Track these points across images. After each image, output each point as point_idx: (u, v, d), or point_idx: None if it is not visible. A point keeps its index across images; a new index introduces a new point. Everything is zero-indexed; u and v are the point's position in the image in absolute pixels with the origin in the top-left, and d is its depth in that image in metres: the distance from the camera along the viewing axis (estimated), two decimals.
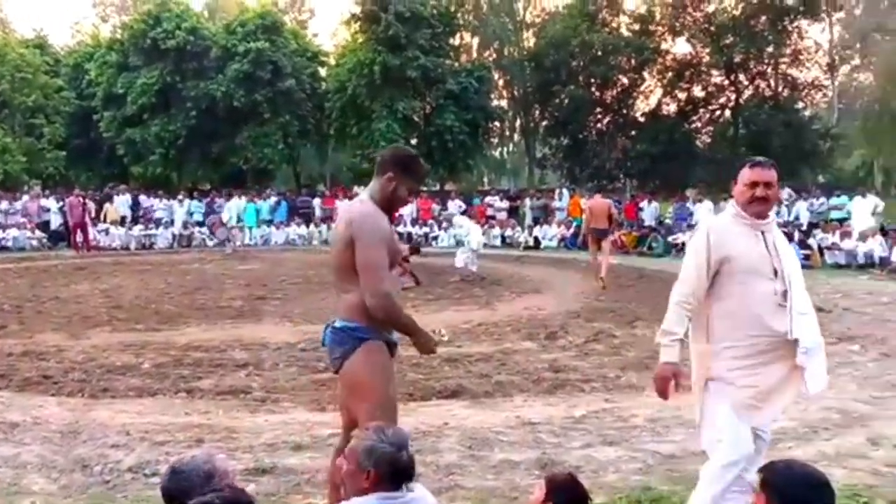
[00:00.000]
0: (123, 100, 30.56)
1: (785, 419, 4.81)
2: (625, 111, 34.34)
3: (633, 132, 33.53)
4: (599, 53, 31.79)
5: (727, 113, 33.48)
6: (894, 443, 5.31)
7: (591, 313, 11.12)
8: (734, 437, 3.49)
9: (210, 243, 24.36)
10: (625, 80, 33.52)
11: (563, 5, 35.85)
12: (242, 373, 7.56)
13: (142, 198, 27.45)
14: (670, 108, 34.07)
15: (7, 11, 51.82)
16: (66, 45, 41.79)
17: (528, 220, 25.76)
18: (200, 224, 25.93)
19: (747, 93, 32.50)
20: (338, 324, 3.61)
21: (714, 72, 32.65)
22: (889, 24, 31.41)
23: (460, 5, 32.79)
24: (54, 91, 31.48)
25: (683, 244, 21.00)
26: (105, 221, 25.18)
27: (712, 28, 31.05)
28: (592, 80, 33.00)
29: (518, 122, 41.54)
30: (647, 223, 23.23)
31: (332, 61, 34.80)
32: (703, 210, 22.51)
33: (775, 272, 3.51)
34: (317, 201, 28.65)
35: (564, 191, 27.65)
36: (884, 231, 18.55)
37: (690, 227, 21.93)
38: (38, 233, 24.06)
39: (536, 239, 23.84)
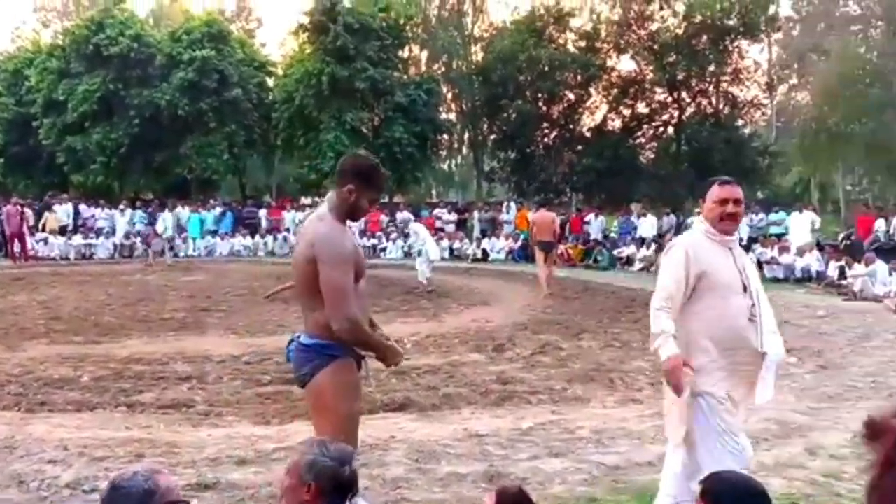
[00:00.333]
0: (64, 107, 29.84)
1: None
2: (571, 126, 34.72)
3: (580, 147, 33.94)
4: (546, 69, 32.11)
5: (670, 129, 34.08)
6: (831, 453, 5.45)
7: (538, 325, 11.21)
8: (728, 445, 3.59)
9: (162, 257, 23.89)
10: (571, 96, 33.90)
11: (511, 21, 36.20)
12: (185, 386, 7.43)
13: (82, 207, 26.84)
14: (615, 123, 34.55)
15: None
16: (5, 50, 40.67)
17: (476, 233, 25.89)
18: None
19: (690, 110, 33.15)
20: (305, 340, 3.54)
21: (657, 89, 33.23)
22: (825, 46, 32.42)
23: (409, 18, 32.81)
24: None
25: (628, 257, 21.38)
26: (44, 231, 24.53)
27: (656, 46, 31.63)
28: (539, 95, 33.33)
29: (466, 136, 41.69)
30: (593, 237, 23.51)
31: (280, 71, 34.50)
32: (646, 224, 22.94)
33: (744, 288, 3.63)
34: (263, 212, 28.39)
35: (512, 204, 27.87)
36: (820, 246, 19.12)
37: (635, 240, 22.30)
38: None
39: (484, 251, 23.96)
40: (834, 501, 4.59)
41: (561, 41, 33.84)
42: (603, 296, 14.94)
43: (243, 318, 11.82)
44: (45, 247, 23.88)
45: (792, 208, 21.33)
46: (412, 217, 23.21)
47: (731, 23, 30.59)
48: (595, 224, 24.38)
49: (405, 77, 32.76)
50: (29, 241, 22.73)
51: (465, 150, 44.94)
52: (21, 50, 38.16)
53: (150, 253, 22.47)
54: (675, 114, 33.36)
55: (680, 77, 31.81)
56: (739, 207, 3.74)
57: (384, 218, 27.15)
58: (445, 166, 47.53)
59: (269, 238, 26.39)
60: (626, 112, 34.10)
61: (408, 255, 24.14)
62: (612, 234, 24.18)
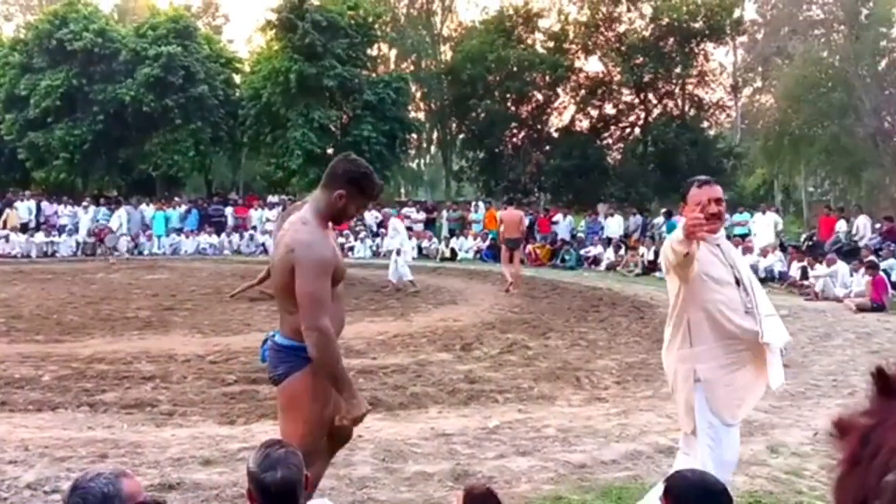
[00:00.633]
0: (26, 102, 29.31)
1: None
2: (539, 126, 34.88)
3: (548, 147, 34.10)
4: (515, 69, 32.22)
5: (637, 130, 34.37)
6: (793, 450, 5.53)
7: (506, 325, 11.25)
8: (727, 439, 3.65)
9: (116, 253, 23.58)
10: (539, 97, 34.05)
11: (480, 21, 36.27)
12: (149, 386, 7.34)
13: (44, 204, 26.42)
14: (583, 124, 34.76)
15: None
16: None
17: (445, 232, 25.90)
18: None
19: (656, 111, 33.46)
20: (280, 340, 3.49)
21: (625, 90, 33.49)
22: (788, 49, 32.95)
23: (378, 16, 32.71)
24: None
25: (595, 257, 21.52)
26: (5, 228, 24.12)
27: (623, 48, 31.88)
28: (508, 95, 33.44)
29: (435, 135, 41.73)
30: (560, 237, 23.64)
31: (247, 68, 34.23)
32: (613, 225, 23.13)
33: (737, 282, 3.69)
34: (229, 210, 28.13)
35: (481, 203, 27.93)
36: (783, 247, 19.42)
37: (602, 240, 22.46)
38: None
39: (453, 251, 23.97)
40: (796, 499, 4.66)
41: (529, 42, 34.00)
42: (570, 295, 15.04)
43: (208, 317, 11.71)
44: (6, 244, 23.50)
45: (755, 209, 21.63)
46: (394, 213, 23.03)
47: (697, 25, 30.94)
48: (563, 224, 24.50)
49: (374, 75, 32.67)
50: None
51: (433, 149, 45.00)
52: None
53: (105, 249, 22.20)
54: (642, 115, 33.67)
55: (647, 79, 32.10)
56: (721, 206, 3.77)
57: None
58: (414, 165, 47.53)
59: (236, 236, 26.18)
60: (594, 113, 34.33)
61: (376, 254, 24.10)
62: (580, 234, 24.33)
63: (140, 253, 24.38)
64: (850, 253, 17.23)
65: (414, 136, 36.39)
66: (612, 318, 12.10)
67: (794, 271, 17.00)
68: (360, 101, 29.88)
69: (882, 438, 0.69)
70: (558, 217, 25.13)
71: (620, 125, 34.79)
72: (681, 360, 3.76)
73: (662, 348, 3.96)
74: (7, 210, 24.72)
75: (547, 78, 33.05)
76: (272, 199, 30.02)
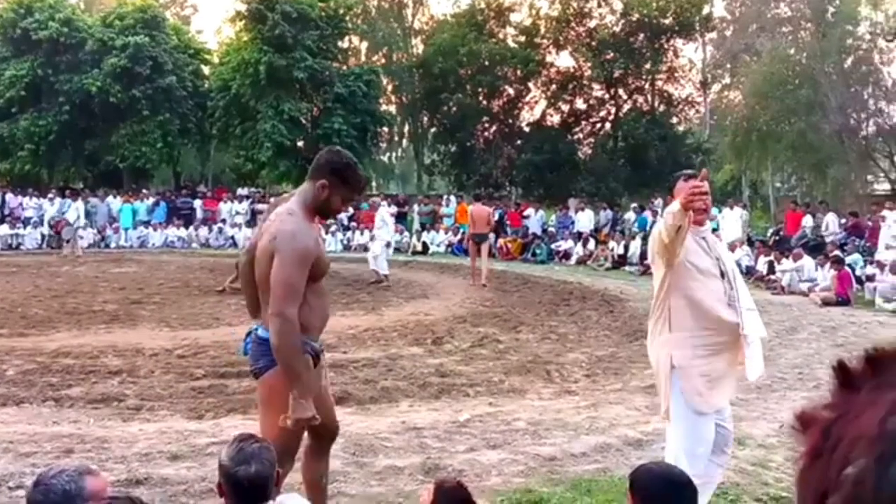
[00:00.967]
0: None
1: (658, 421, 5.02)
2: (511, 121, 34.93)
3: (519, 141, 34.15)
4: (486, 63, 32.23)
5: (607, 125, 34.55)
6: (759, 442, 5.61)
7: (477, 318, 11.28)
8: (699, 431, 3.69)
9: (84, 244, 23.20)
10: (511, 91, 34.10)
11: (452, 14, 36.21)
12: (116, 380, 7.26)
13: (9, 196, 25.96)
14: (554, 119, 34.85)
15: None
16: None
17: (416, 226, 25.87)
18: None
19: (626, 107, 33.63)
20: (263, 333, 3.45)
21: (595, 85, 33.64)
22: (757, 46, 33.29)
23: (349, 8, 32.49)
24: None
25: (566, 252, 21.63)
26: None
27: (594, 43, 32.00)
28: (480, 89, 33.43)
29: (406, 128, 41.62)
30: (532, 231, 23.72)
31: (216, 59, 33.87)
32: (584, 219, 23.27)
33: (721, 274, 3.77)
34: (198, 202, 27.86)
35: (452, 197, 27.94)
36: (750, 241, 19.67)
37: (572, 235, 22.58)
38: None
39: (424, 244, 23.96)
40: (762, 490, 4.74)
41: (501, 36, 34.01)
42: (541, 289, 15.12)
43: (177, 311, 11.61)
44: None
45: (723, 204, 21.86)
46: (384, 203, 22.74)
47: (666, 22, 31.15)
48: (534, 218, 24.59)
49: (345, 68, 32.48)
50: None
51: (405, 142, 44.87)
52: None
53: (61, 241, 21.89)
54: (612, 110, 33.84)
55: (617, 74, 32.26)
56: (707, 199, 3.83)
57: None
58: (386, 159, 47.37)
59: (204, 229, 25.93)
60: (565, 108, 34.44)
61: (347, 247, 24.02)
62: (551, 229, 24.44)
63: (107, 246, 24.05)
64: (816, 248, 17.51)
65: (385, 129, 36.27)
66: (582, 312, 12.18)
67: (761, 266, 17.23)
68: (330, 94, 29.70)
69: (842, 432, 0.70)
70: (529, 211, 25.22)
71: (591, 120, 34.93)
72: (661, 346, 3.81)
73: (647, 339, 4.02)
74: None
75: (518, 72, 33.09)
76: (241, 191, 29.76)
